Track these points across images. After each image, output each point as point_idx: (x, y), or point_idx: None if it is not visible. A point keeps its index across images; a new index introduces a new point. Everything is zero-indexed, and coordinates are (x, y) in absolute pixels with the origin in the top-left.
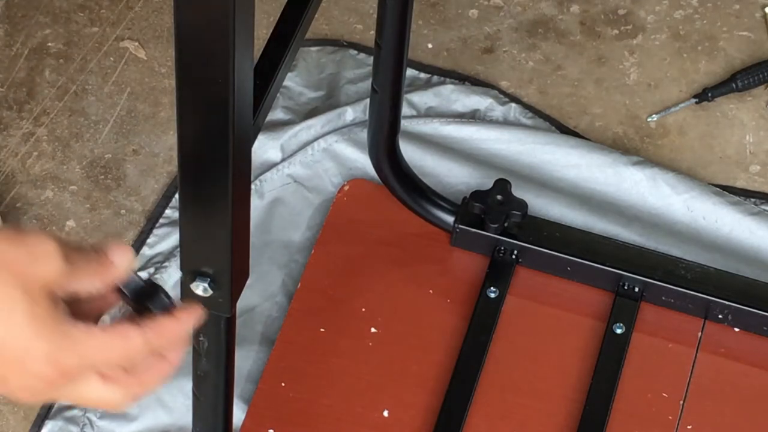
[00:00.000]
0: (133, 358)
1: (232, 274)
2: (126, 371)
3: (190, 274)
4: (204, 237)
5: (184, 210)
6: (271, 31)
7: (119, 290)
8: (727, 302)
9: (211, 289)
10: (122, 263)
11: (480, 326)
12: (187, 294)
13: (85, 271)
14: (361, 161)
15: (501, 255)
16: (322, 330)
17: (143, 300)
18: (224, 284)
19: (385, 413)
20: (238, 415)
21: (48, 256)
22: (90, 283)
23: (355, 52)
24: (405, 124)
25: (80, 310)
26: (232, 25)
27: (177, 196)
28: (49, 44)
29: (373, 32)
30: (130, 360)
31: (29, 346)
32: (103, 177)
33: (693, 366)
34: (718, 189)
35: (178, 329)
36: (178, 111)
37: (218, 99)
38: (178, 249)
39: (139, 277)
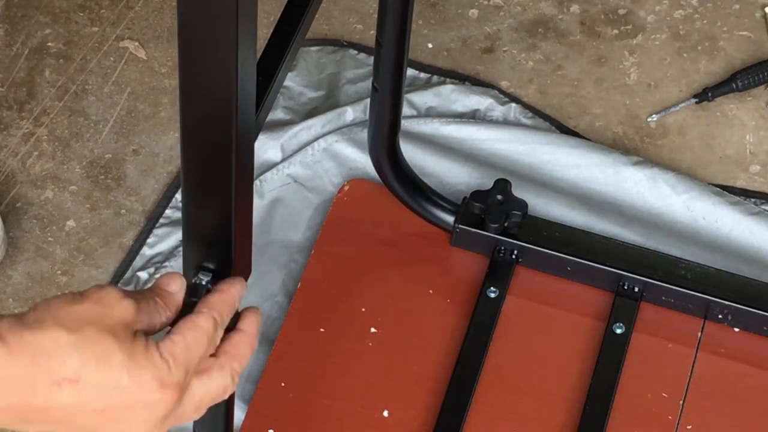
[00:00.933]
0: (214, 339)
1: (235, 270)
2: (214, 356)
3: (192, 270)
4: (206, 232)
5: (187, 205)
6: (271, 30)
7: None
8: (727, 302)
9: (214, 284)
10: (179, 289)
11: (480, 326)
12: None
13: (153, 306)
14: (361, 161)
15: (501, 255)
16: (322, 330)
17: (186, 304)
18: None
19: (385, 413)
20: (238, 415)
21: (117, 302)
22: (163, 315)
23: (355, 52)
24: (405, 124)
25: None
26: (236, 23)
27: (177, 195)
28: (49, 44)
29: (373, 32)
30: (213, 344)
31: (139, 381)
32: (103, 177)
33: (693, 366)
34: (718, 189)
35: (226, 297)
36: (182, 106)
37: (222, 95)
38: (178, 249)
39: None
